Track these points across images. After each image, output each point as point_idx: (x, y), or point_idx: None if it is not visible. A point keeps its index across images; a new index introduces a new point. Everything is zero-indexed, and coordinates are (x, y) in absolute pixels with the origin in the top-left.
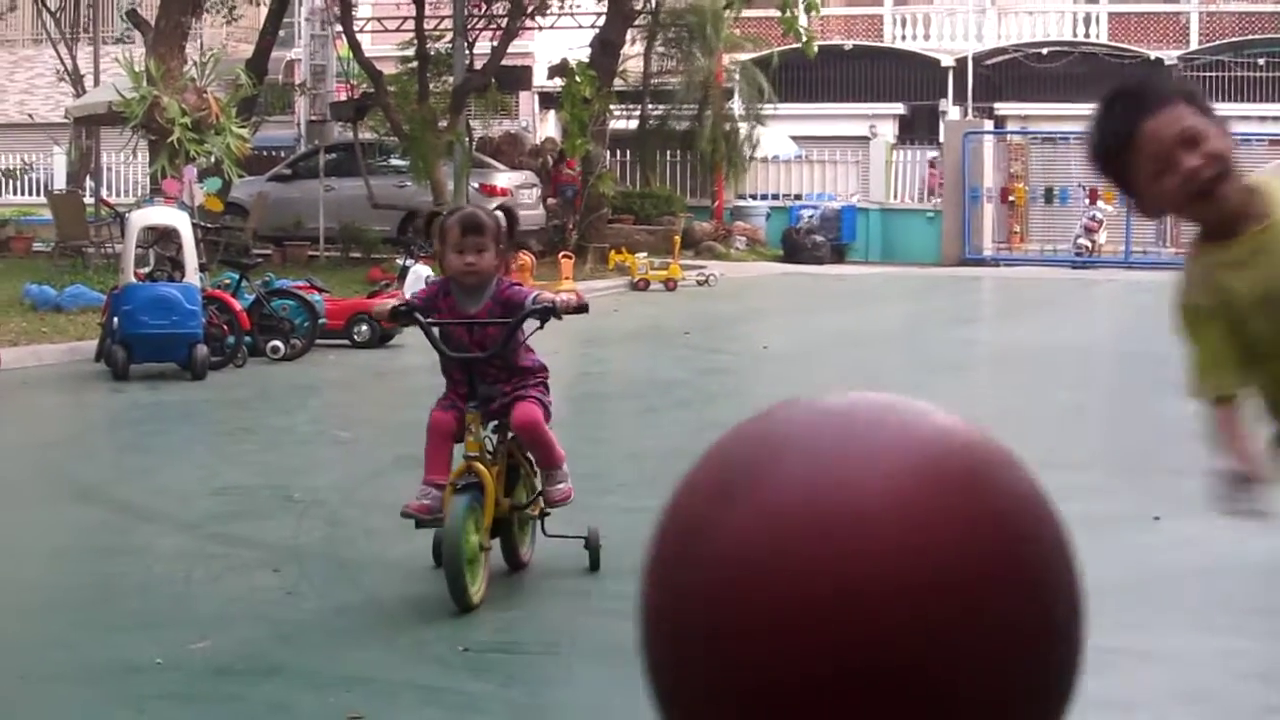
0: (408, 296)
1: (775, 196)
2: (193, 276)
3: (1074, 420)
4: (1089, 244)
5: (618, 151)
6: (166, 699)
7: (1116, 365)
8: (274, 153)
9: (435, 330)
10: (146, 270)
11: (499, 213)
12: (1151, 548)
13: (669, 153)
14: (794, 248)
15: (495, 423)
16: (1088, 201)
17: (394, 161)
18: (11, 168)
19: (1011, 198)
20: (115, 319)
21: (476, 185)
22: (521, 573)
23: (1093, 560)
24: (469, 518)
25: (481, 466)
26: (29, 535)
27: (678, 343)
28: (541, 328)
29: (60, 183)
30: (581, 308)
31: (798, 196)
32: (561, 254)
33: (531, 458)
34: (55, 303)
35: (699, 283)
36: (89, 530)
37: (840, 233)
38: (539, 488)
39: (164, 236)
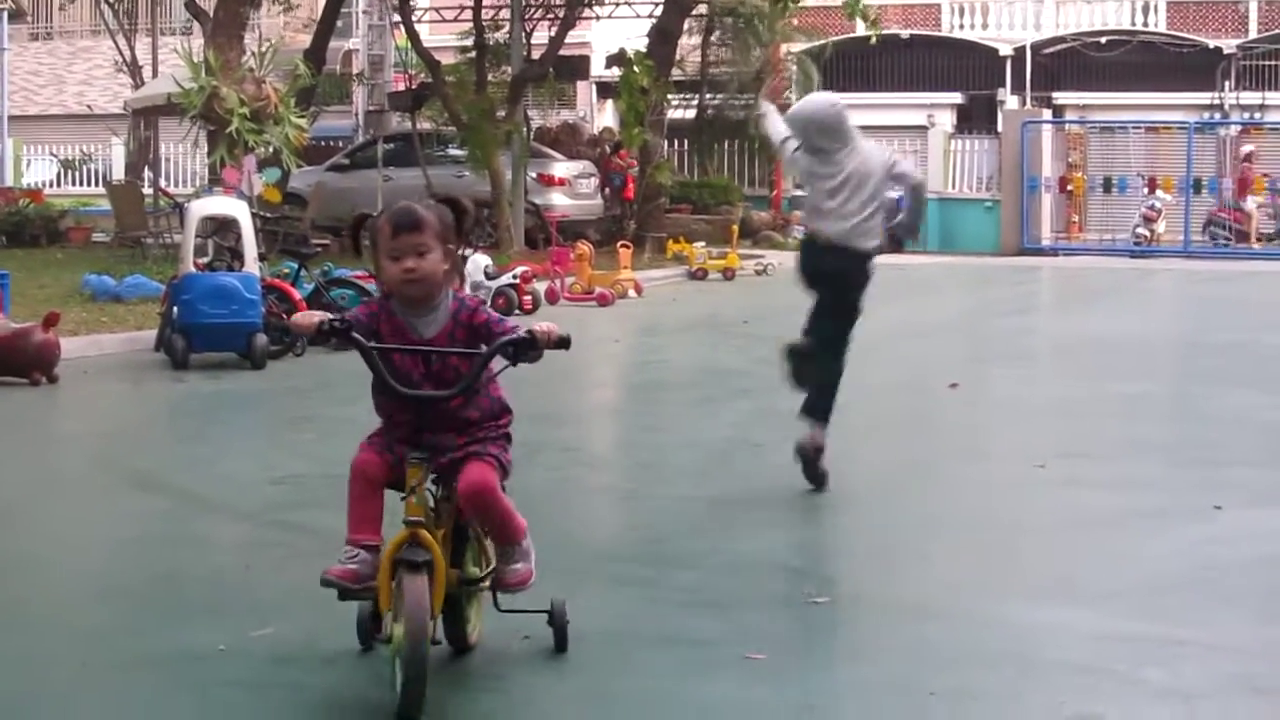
0: (351, 312)
1: None
2: (252, 266)
3: (1134, 411)
4: (1148, 233)
5: (675, 141)
6: (229, 686)
7: (1176, 355)
8: (332, 143)
9: (378, 358)
10: (206, 260)
11: (443, 206)
12: (1214, 539)
13: (726, 142)
14: None
15: (435, 476)
16: (1146, 191)
17: (452, 151)
18: (70, 159)
19: (1070, 187)
20: (174, 308)
21: (534, 175)
22: (587, 559)
23: (1156, 551)
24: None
25: (429, 536)
26: (91, 525)
27: (736, 332)
28: (514, 364)
29: (119, 173)
30: (563, 341)
31: None
32: (619, 243)
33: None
34: (114, 293)
35: (757, 272)
36: (150, 519)
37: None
38: (484, 557)
39: (223, 226)
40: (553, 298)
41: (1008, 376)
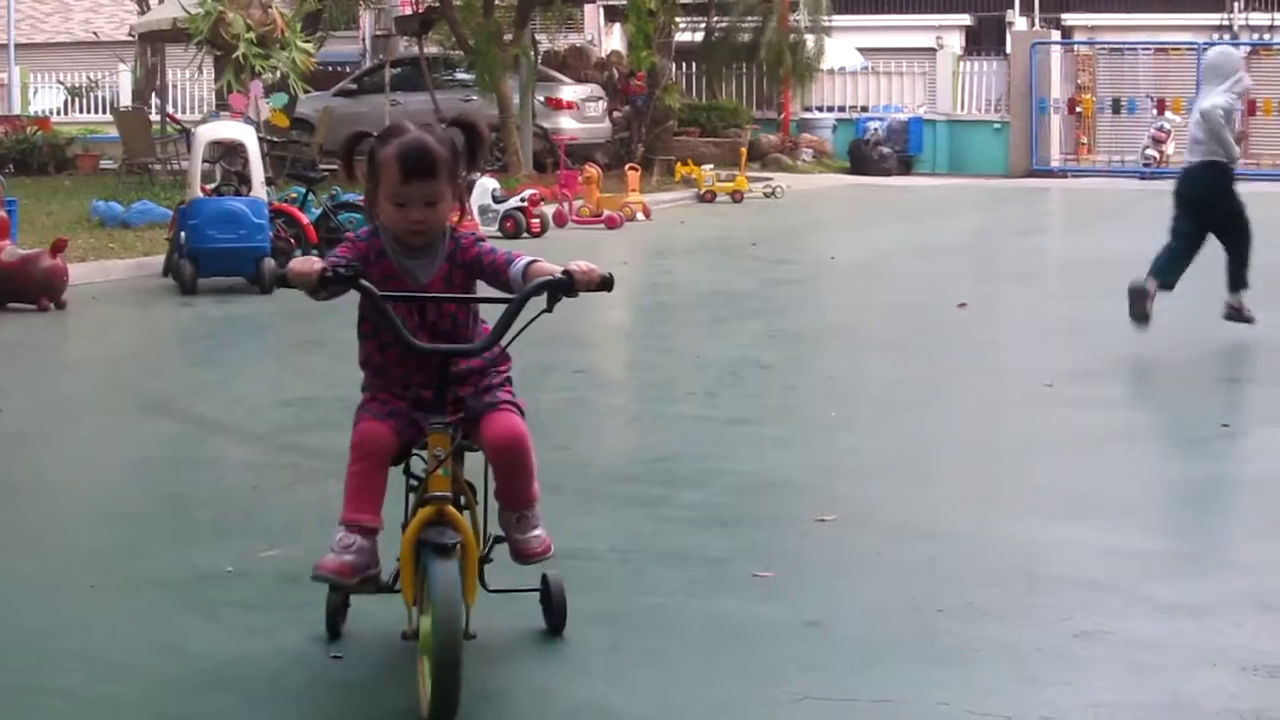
0: (333, 256)
1: (842, 109)
2: (259, 190)
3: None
4: (1157, 155)
5: (683, 64)
6: (237, 606)
7: (1188, 276)
8: (339, 68)
9: (390, 309)
10: (213, 185)
11: (455, 130)
12: (1222, 457)
13: (735, 65)
14: (861, 160)
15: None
16: (1155, 112)
17: (460, 76)
18: (78, 85)
19: (1079, 109)
20: (182, 234)
21: (542, 99)
22: (596, 479)
23: (1164, 469)
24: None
25: (458, 514)
26: (100, 448)
27: (745, 254)
28: (550, 310)
29: (126, 100)
30: (605, 282)
31: (864, 109)
32: (628, 166)
33: (487, 491)
34: (122, 219)
35: (765, 195)
36: (160, 442)
37: (907, 145)
38: (482, 528)
39: (230, 151)
40: (561, 221)
41: (1016, 296)
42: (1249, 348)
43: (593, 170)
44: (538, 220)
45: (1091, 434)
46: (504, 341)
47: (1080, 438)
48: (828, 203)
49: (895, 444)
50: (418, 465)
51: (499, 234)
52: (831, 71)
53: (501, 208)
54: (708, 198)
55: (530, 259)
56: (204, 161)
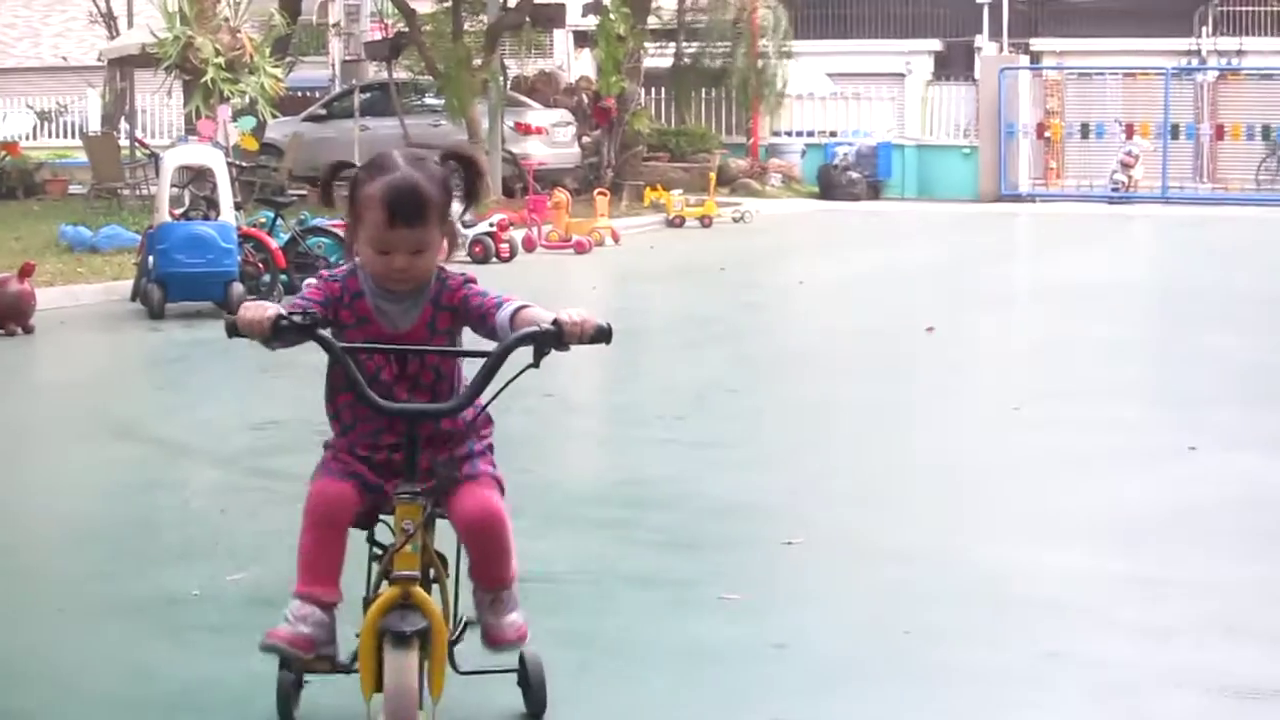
0: (298, 298)
1: (811, 134)
2: (228, 215)
3: (1110, 353)
4: (1125, 179)
5: (653, 89)
6: (204, 630)
7: (1154, 299)
8: (309, 93)
9: (351, 362)
10: (182, 210)
11: (450, 164)
12: (1189, 480)
13: (704, 90)
14: (830, 184)
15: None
16: (1124, 137)
17: (429, 101)
18: (46, 110)
19: (1048, 133)
20: (151, 258)
21: (512, 124)
22: (564, 502)
23: (1131, 492)
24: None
25: (427, 597)
26: (68, 471)
27: (713, 279)
28: (536, 365)
29: (95, 125)
30: (600, 334)
31: (833, 133)
32: (597, 191)
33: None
34: (91, 243)
35: (734, 219)
36: (127, 466)
37: (876, 169)
38: (453, 609)
39: (199, 175)
40: (530, 246)
41: (984, 320)
42: (1216, 369)
43: (561, 195)
44: (506, 245)
45: (1059, 457)
46: (481, 401)
47: (1048, 461)
48: (796, 227)
49: (863, 467)
50: (384, 533)
51: (467, 259)
52: (800, 96)
53: (470, 233)
54: (676, 223)
55: (520, 304)
56: (172, 186)
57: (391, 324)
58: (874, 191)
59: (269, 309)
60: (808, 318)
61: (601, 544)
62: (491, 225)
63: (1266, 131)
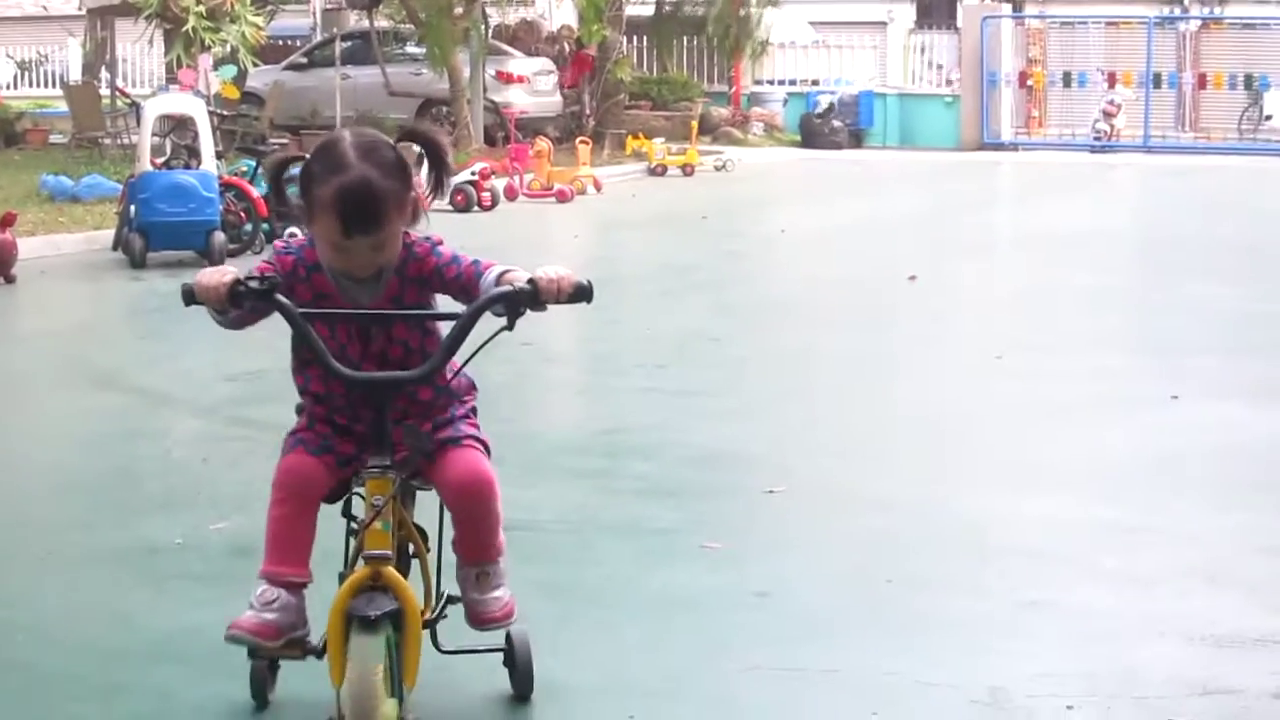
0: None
1: (793, 82)
2: (209, 164)
3: (1092, 302)
4: (1107, 128)
5: (634, 37)
6: (186, 579)
7: (1136, 248)
8: (290, 41)
9: (315, 331)
10: (163, 159)
11: (408, 149)
12: (1171, 428)
13: (686, 39)
14: (812, 133)
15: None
16: (1106, 86)
17: (410, 49)
18: (26, 60)
19: (1030, 82)
20: (132, 207)
21: (493, 72)
22: (544, 451)
23: (1113, 440)
24: (385, 676)
25: (399, 577)
26: (49, 421)
27: (695, 227)
28: (510, 328)
29: (76, 75)
30: (580, 292)
31: (815, 82)
32: (579, 139)
33: (438, 542)
34: (72, 193)
35: (716, 168)
36: (109, 415)
37: (858, 118)
38: (437, 585)
39: (180, 124)
40: (512, 194)
41: (966, 269)
42: (1198, 318)
43: (543, 144)
44: (488, 194)
45: (1041, 406)
46: (454, 365)
47: (1029, 409)
48: (778, 176)
49: (845, 416)
50: (359, 506)
51: (449, 207)
52: (782, 45)
53: (452, 181)
54: (658, 171)
55: (504, 268)
56: (154, 135)
57: (353, 299)
58: (856, 140)
59: (226, 274)
60: (790, 266)
61: (583, 493)
62: (473, 174)
63: (1249, 81)
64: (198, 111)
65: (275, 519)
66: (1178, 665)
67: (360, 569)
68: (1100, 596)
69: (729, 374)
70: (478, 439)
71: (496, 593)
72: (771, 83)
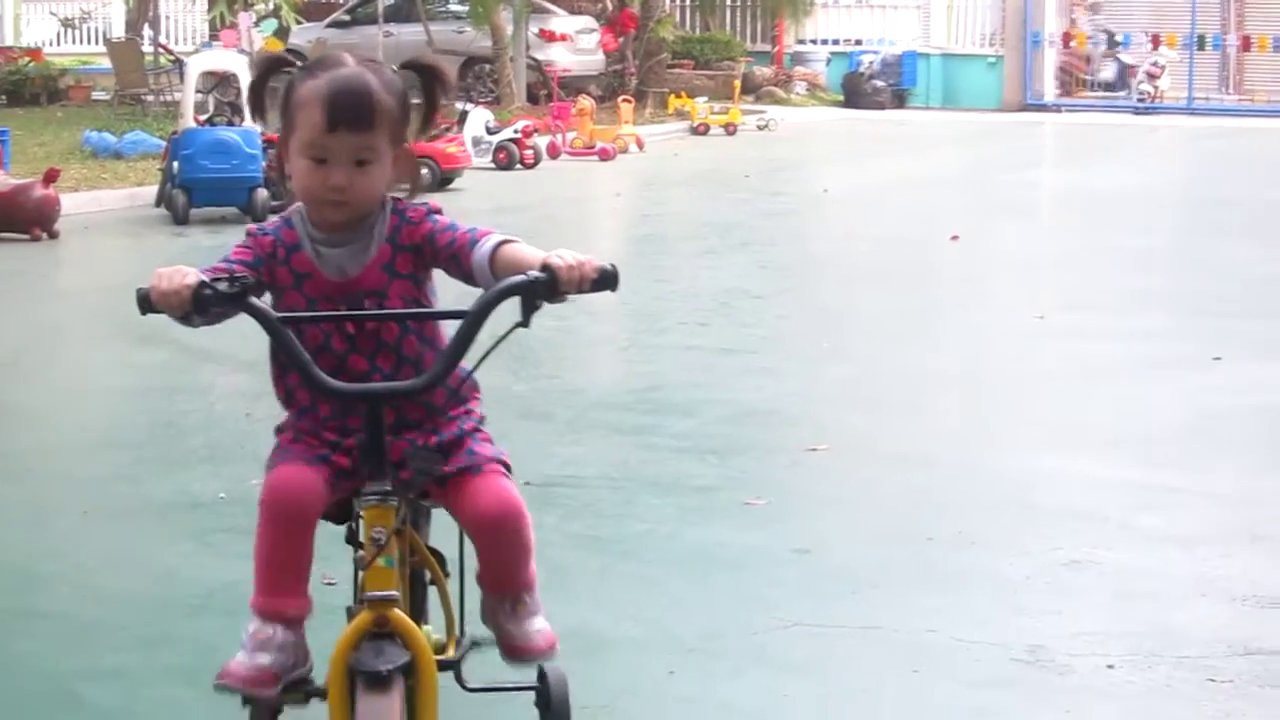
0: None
1: (836, 42)
2: (252, 120)
3: (1136, 263)
4: (1151, 90)
5: None
6: (229, 532)
7: (1180, 210)
8: None
9: (291, 333)
10: (206, 116)
11: (408, 74)
12: (1213, 389)
13: None
14: (854, 93)
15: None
16: (1150, 47)
17: (453, 6)
18: (70, 17)
19: (1073, 43)
20: (175, 163)
21: (536, 30)
22: (586, 407)
23: (1155, 401)
24: None
25: (409, 623)
26: (92, 376)
27: (737, 186)
28: (526, 324)
29: (119, 31)
30: (604, 279)
31: (858, 41)
32: (621, 98)
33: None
34: (115, 149)
35: (759, 127)
36: (151, 370)
37: (901, 78)
38: (460, 617)
39: (223, 81)
40: (554, 152)
41: (1009, 229)
42: (1242, 280)
43: (586, 102)
44: (531, 152)
45: (1083, 366)
46: (461, 371)
47: (1072, 370)
48: (821, 136)
49: (887, 375)
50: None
51: (491, 165)
52: (825, 4)
53: (494, 139)
54: (701, 130)
55: (501, 238)
56: (197, 92)
57: (338, 270)
58: (898, 100)
59: (188, 276)
60: (832, 225)
61: (625, 450)
62: (516, 131)
63: None
64: (240, 68)
65: (266, 542)
66: (1219, 625)
67: (363, 614)
68: (1141, 556)
69: (770, 332)
70: (497, 460)
71: (533, 623)
72: (814, 42)
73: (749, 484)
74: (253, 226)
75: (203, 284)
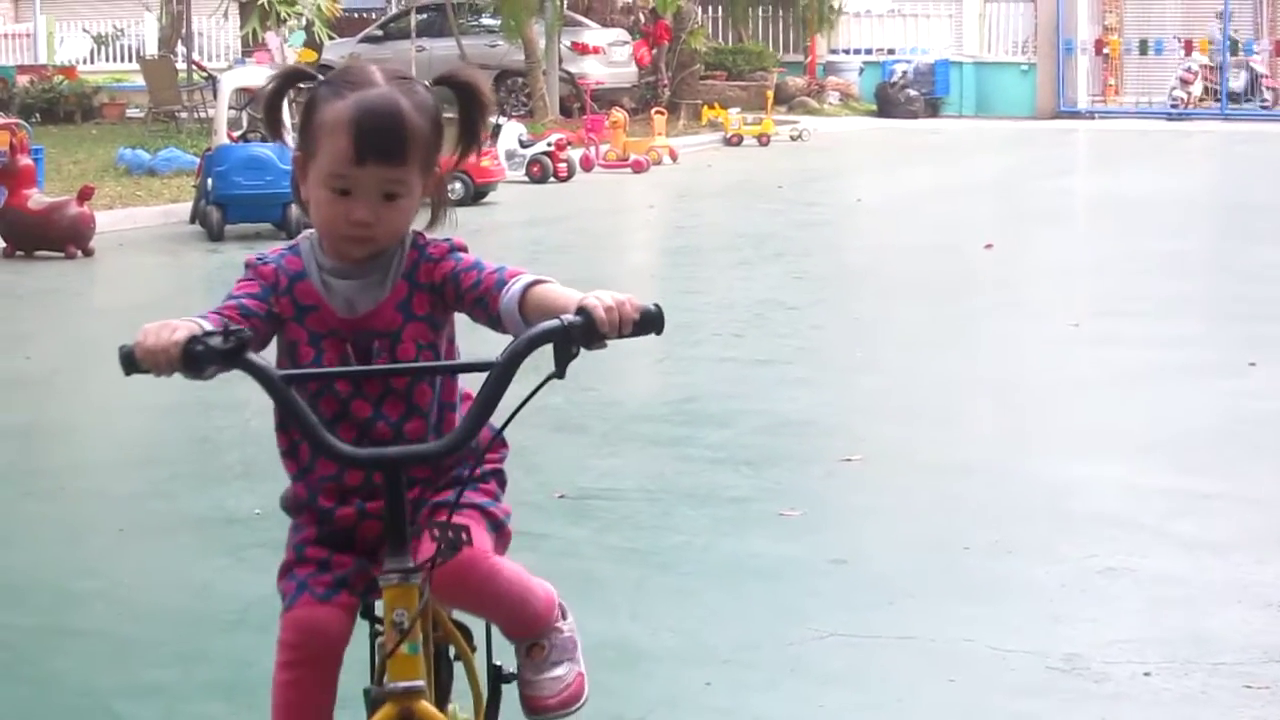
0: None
1: (869, 51)
2: (286, 137)
3: (1170, 269)
4: (1184, 96)
5: (709, 7)
6: (264, 548)
7: (1214, 215)
8: (365, 14)
9: (297, 398)
10: (240, 132)
11: (444, 90)
12: (1248, 394)
13: (761, 8)
14: (887, 102)
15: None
16: (1183, 53)
17: (485, 20)
18: (103, 34)
19: (1106, 50)
20: (209, 180)
21: (568, 43)
22: (621, 419)
23: (1189, 407)
24: None
25: (436, 715)
26: (127, 393)
27: (771, 197)
28: (561, 375)
29: (152, 48)
30: (648, 321)
31: (891, 51)
32: (654, 110)
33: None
34: (149, 166)
35: (792, 138)
36: (186, 387)
37: (934, 87)
38: (482, 699)
39: (256, 98)
40: (587, 165)
41: (1043, 236)
42: (1276, 285)
43: (619, 114)
44: (564, 165)
45: (1118, 373)
46: (455, 440)
47: (1106, 377)
48: (854, 145)
49: (921, 384)
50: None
51: (525, 178)
52: (858, 14)
53: (528, 152)
54: (734, 141)
55: (531, 279)
56: (230, 108)
57: (346, 305)
58: (932, 109)
59: (178, 331)
60: (866, 235)
61: (661, 461)
62: (549, 145)
63: None
64: None
65: (287, 686)
66: (1254, 631)
67: (387, 708)
68: (1177, 563)
69: (805, 343)
70: (480, 507)
71: (556, 670)
72: (847, 52)
73: (784, 495)
74: (251, 257)
75: (193, 339)
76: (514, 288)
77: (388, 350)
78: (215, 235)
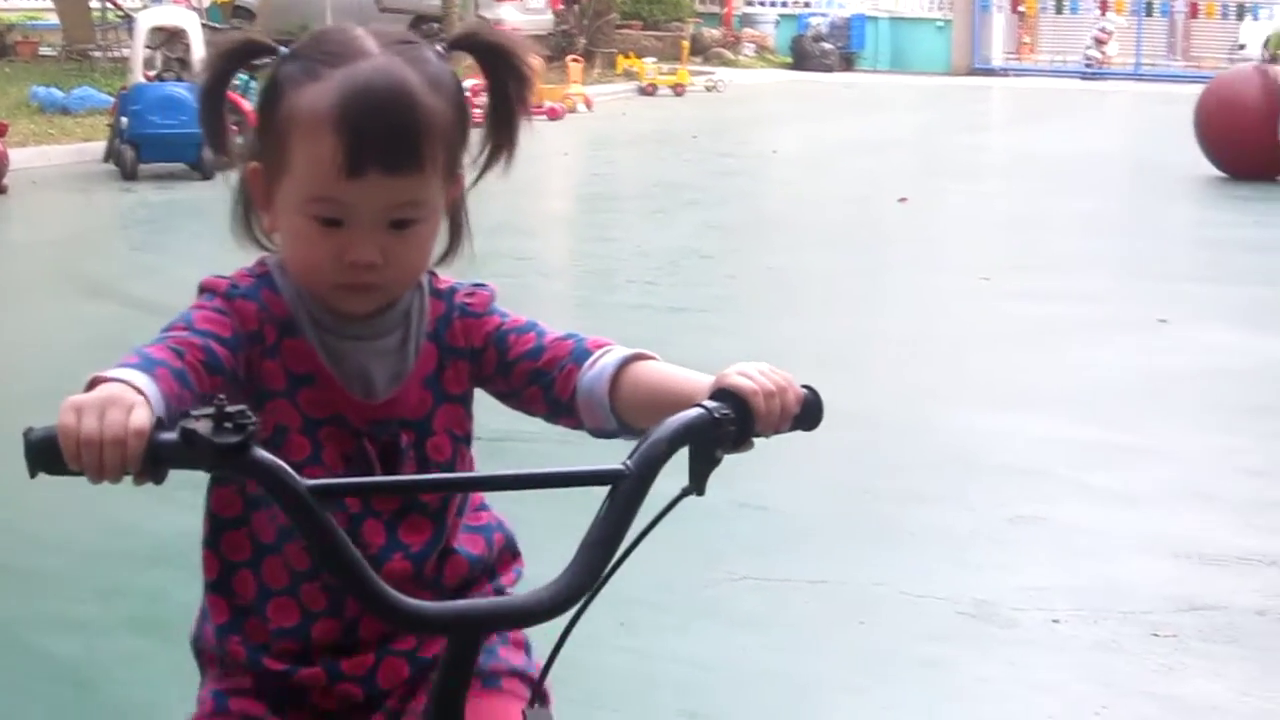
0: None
1: (785, 4)
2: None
3: (1082, 226)
4: (1099, 55)
5: None
6: (186, 487)
7: (1127, 174)
8: None
9: (337, 528)
10: (155, 71)
11: (461, 56)
12: (1158, 350)
13: None
14: (803, 55)
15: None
16: (1098, 13)
17: None
18: None
19: (1021, 8)
20: (124, 119)
21: None
22: None
23: (1101, 361)
24: None
25: None
26: (42, 329)
27: (686, 146)
28: (700, 491)
29: None
30: (809, 413)
31: (807, 4)
32: (569, 58)
33: None
34: (63, 105)
35: (707, 89)
36: (101, 324)
37: (849, 41)
38: None
39: (172, 37)
40: None
41: (957, 192)
42: (1187, 244)
43: (534, 61)
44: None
45: (1029, 327)
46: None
47: (1018, 331)
48: (769, 98)
49: (834, 334)
50: None
51: None
52: None
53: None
54: (649, 91)
55: (628, 353)
56: (146, 48)
57: (361, 385)
58: (846, 63)
59: (135, 410)
60: (781, 186)
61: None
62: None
63: (1241, 10)
64: (191, 24)
65: None
66: (1164, 581)
67: None
68: (1088, 513)
69: (719, 291)
70: (520, 675)
71: None
72: (763, 4)
73: None
74: (218, 280)
75: (149, 430)
76: (604, 360)
77: (413, 445)
78: (129, 174)
